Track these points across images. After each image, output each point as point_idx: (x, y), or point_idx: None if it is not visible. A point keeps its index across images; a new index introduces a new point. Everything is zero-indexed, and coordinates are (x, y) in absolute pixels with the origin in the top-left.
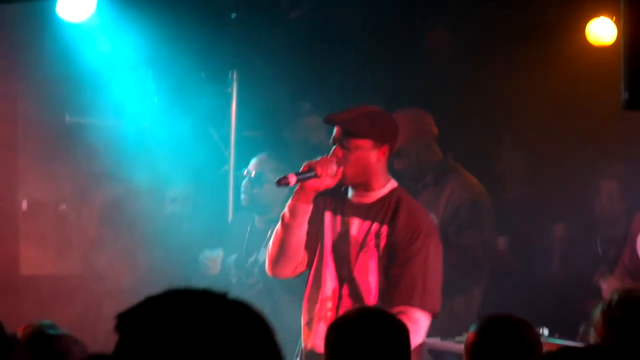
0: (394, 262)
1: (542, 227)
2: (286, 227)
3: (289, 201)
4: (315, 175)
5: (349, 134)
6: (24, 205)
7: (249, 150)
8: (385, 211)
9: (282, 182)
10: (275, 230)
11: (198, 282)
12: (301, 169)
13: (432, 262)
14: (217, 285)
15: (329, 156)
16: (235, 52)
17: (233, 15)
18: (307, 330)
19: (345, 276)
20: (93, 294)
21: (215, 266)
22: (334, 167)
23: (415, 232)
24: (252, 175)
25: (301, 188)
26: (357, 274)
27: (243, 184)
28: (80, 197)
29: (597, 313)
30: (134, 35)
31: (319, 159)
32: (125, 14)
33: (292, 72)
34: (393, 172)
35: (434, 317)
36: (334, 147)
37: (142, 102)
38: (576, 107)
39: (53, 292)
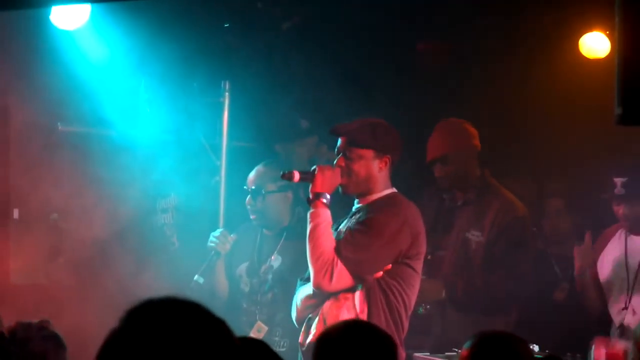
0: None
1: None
2: (315, 236)
3: (310, 214)
4: (314, 175)
5: (352, 144)
6: (16, 214)
7: (241, 160)
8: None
9: (286, 175)
10: (309, 249)
11: (196, 293)
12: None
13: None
14: (230, 293)
15: (334, 165)
16: (228, 62)
17: (226, 25)
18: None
19: None
20: (83, 304)
21: (224, 244)
22: (337, 172)
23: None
24: (253, 188)
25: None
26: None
27: (247, 201)
28: (72, 207)
29: (639, 331)
30: (127, 44)
31: (322, 169)
32: (118, 23)
33: (285, 83)
34: (432, 179)
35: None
36: (337, 157)
37: (134, 112)
38: (568, 120)
39: (43, 301)
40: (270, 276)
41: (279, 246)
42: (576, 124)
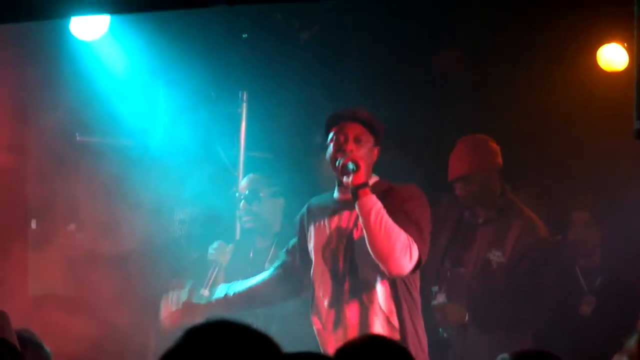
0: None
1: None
2: (385, 218)
3: (363, 201)
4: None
5: (367, 127)
6: (33, 224)
7: (258, 171)
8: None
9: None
10: (382, 232)
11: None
12: (342, 163)
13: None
14: None
15: (346, 149)
16: (246, 73)
17: (244, 36)
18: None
19: (342, 269)
20: (100, 314)
21: (224, 255)
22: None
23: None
24: (247, 193)
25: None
26: (357, 255)
27: (240, 206)
28: (90, 217)
29: (632, 343)
30: (145, 55)
31: (349, 153)
32: (137, 34)
33: (303, 93)
34: (453, 197)
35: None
36: (344, 142)
37: (152, 122)
38: (586, 132)
39: (61, 312)
40: None
41: (269, 256)
42: (595, 136)
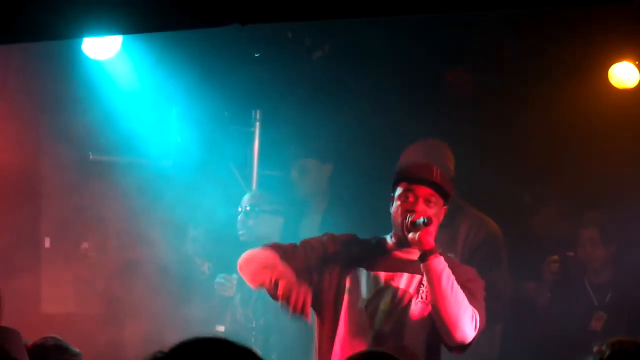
0: None
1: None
2: (454, 284)
3: (435, 261)
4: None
5: (437, 190)
6: (47, 243)
7: (271, 189)
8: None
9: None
10: (451, 298)
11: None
12: (411, 219)
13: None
14: (228, 324)
15: (416, 209)
16: (259, 92)
17: (257, 55)
18: None
19: (384, 331)
20: (112, 333)
21: (231, 287)
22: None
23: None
24: (247, 209)
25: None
26: (409, 323)
27: (238, 219)
28: (102, 236)
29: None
30: (158, 74)
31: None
32: (150, 53)
33: (315, 112)
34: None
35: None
36: (414, 202)
37: (165, 141)
38: (597, 149)
39: (73, 330)
40: (260, 305)
41: None
42: (606, 153)
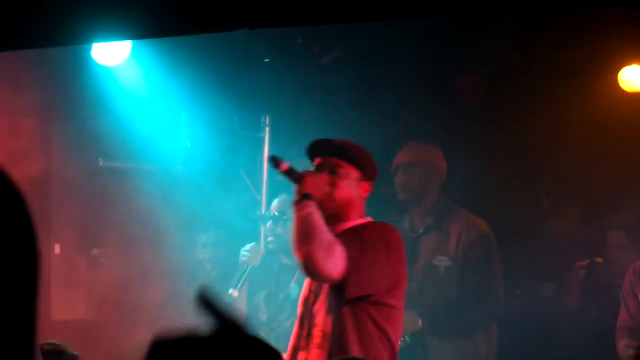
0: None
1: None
2: (315, 219)
3: (300, 204)
4: (302, 176)
5: (344, 159)
6: (57, 249)
7: (281, 195)
8: (350, 236)
9: (274, 161)
10: (305, 230)
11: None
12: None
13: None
14: (248, 322)
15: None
16: (268, 97)
17: (266, 60)
18: None
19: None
20: (122, 340)
21: (257, 256)
22: (326, 189)
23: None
24: (276, 214)
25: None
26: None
27: (267, 225)
28: (113, 242)
29: None
30: (167, 80)
31: (313, 174)
32: (159, 59)
33: (325, 117)
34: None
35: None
36: (320, 170)
37: (174, 146)
38: (607, 153)
39: (83, 337)
40: (288, 305)
41: (296, 275)
42: (616, 157)
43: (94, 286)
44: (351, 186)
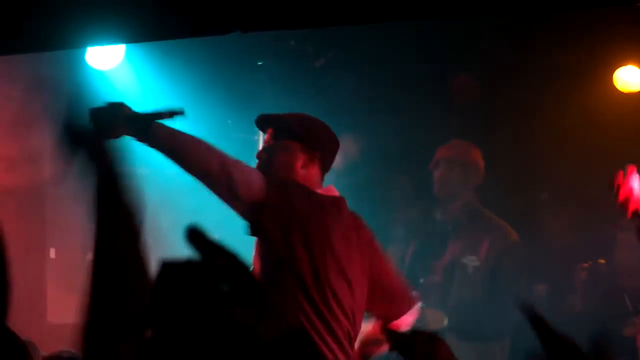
0: None
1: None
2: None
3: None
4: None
5: (279, 134)
6: (52, 253)
7: None
8: None
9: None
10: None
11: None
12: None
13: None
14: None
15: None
16: (262, 100)
17: (260, 63)
18: None
19: None
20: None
21: None
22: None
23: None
24: None
25: None
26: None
27: None
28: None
29: None
30: (161, 83)
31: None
32: (152, 62)
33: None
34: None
35: None
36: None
37: None
38: (602, 153)
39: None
40: None
41: None
42: (611, 157)
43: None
44: (290, 158)
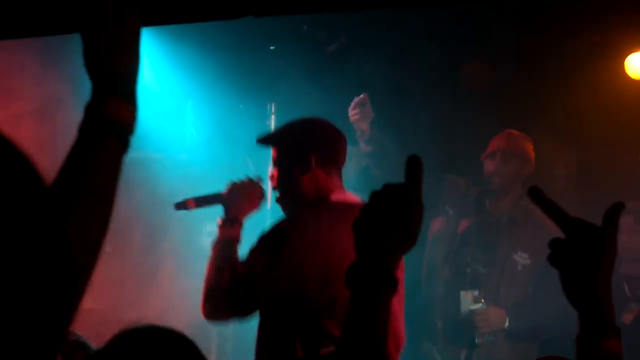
0: None
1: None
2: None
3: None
4: (221, 201)
5: (278, 148)
6: None
7: None
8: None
9: (179, 206)
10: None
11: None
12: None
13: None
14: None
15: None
16: (274, 85)
17: (272, 48)
18: None
19: None
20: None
21: None
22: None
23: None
24: None
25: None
26: None
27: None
28: (118, 231)
29: None
30: (173, 68)
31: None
32: (164, 47)
33: (331, 105)
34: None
35: None
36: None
37: (180, 135)
38: (613, 139)
39: (89, 325)
40: None
41: None
42: (623, 143)
43: (99, 274)
44: (288, 169)
